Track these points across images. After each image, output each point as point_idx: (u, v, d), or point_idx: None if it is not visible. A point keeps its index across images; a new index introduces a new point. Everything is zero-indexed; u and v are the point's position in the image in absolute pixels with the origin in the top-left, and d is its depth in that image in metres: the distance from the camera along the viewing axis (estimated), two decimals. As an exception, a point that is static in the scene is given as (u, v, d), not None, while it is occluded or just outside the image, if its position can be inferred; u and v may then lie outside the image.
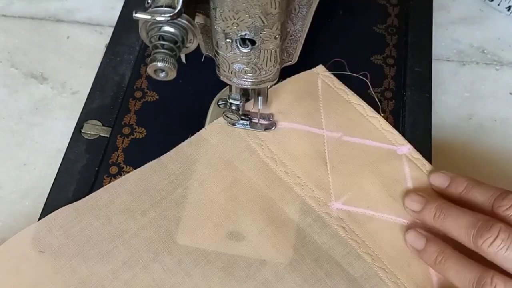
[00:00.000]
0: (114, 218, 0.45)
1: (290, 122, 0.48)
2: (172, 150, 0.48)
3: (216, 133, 0.48)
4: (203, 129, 0.49)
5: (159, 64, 0.35)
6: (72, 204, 0.45)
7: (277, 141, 0.48)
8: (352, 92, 0.50)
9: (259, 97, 0.46)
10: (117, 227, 0.44)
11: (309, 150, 0.47)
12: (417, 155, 0.47)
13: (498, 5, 0.61)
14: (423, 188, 0.46)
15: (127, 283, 0.42)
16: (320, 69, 0.51)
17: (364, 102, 0.50)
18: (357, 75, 0.51)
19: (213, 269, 0.43)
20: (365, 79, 0.51)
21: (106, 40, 0.58)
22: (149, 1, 0.35)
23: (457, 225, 0.40)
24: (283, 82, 0.50)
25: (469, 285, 0.38)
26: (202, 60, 0.41)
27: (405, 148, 0.48)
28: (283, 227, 0.44)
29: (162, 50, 0.36)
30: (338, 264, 0.43)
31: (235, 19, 0.36)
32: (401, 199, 0.45)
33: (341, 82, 0.51)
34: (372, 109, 0.49)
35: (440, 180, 0.45)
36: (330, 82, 0.50)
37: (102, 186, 0.47)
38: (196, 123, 0.50)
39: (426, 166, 0.47)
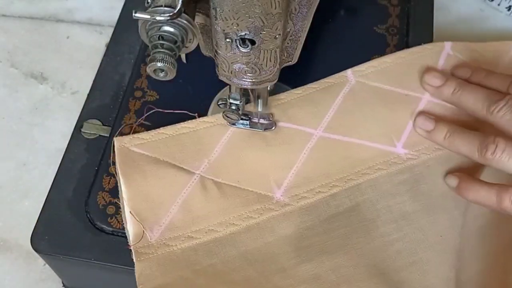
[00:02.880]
0: None
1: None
2: None
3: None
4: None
5: (159, 64, 0.35)
6: None
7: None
8: None
9: (259, 100, 0.46)
10: None
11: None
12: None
13: (498, 5, 0.61)
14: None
15: None
16: None
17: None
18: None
19: None
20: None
21: (106, 40, 0.58)
22: (149, 0, 0.35)
23: (475, 98, 0.45)
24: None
25: (475, 148, 0.43)
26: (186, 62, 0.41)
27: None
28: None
29: (162, 50, 0.35)
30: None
31: (235, 19, 0.36)
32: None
33: None
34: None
35: (463, 72, 0.49)
36: None
37: (102, 185, 0.47)
38: (196, 123, 0.49)
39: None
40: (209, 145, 0.47)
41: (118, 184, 0.45)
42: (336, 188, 0.46)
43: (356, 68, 0.50)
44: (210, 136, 0.47)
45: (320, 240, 0.44)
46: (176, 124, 0.48)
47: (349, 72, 0.50)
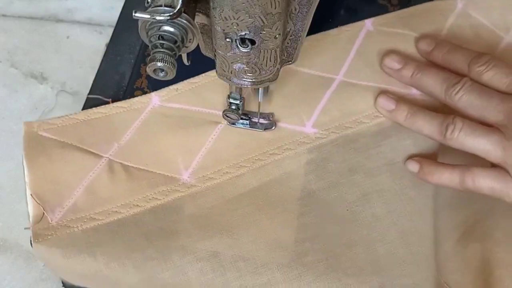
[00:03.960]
0: None
1: None
2: None
3: None
4: None
5: (159, 64, 0.35)
6: None
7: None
8: None
9: (260, 89, 0.46)
10: None
11: None
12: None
13: (499, 5, 0.60)
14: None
15: None
16: None
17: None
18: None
19: None
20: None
21: (106, 40, 0.58)
22: (149, 0, 0.35)
23: (433, 81, 0.46)
24: None
25: (436, 129, 0.44)
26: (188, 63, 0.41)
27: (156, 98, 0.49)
28: None
29: (162, 50, 0.36)
30: None
31: (235, 19, 0.36)
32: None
33: None
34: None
35: (425, 45, 0.50)
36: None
37: (102, 186, 0.47)
38: (196, 123, 0.49)
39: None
40: (121, 129, 0.47)
41: (23, 168, 0.45)
42: (244, 169, 0.46)
43: None
44: (122, 121, 0.48)
45: (223, 218, 0.44)
46: (89, 109, 0.48)
47: None
